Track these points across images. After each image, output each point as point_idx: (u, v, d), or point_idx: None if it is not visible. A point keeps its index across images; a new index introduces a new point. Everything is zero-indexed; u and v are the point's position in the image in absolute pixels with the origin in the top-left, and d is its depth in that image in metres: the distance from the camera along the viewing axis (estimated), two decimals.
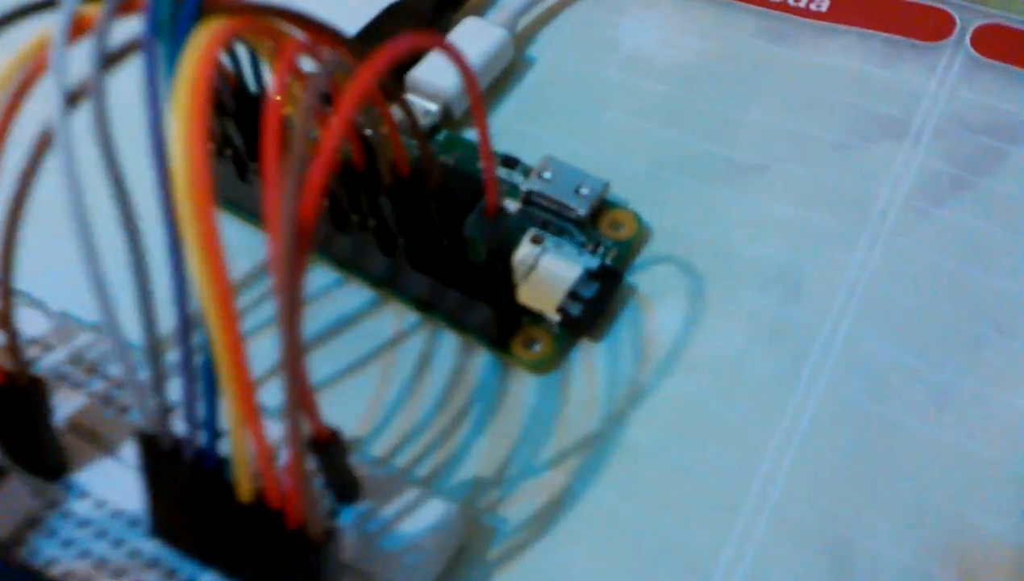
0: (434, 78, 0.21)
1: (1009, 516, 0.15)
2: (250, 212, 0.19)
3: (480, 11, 0.23)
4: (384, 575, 0.14)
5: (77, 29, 0.12)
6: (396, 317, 0.19)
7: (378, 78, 0.11)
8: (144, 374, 0.13)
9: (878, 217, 0.19)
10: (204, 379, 0.12)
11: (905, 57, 0.22)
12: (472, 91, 0.14)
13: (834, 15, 0.24)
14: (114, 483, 0.15)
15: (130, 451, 0.15)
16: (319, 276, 0.19)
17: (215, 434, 0.13)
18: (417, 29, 0.21)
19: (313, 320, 0.19)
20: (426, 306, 0.18)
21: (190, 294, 0.12)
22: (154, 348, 0.12)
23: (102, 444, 0.16)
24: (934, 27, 0.23)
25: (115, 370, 0.16)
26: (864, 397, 0.17)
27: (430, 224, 0.16)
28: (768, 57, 0.23)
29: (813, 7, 0.24)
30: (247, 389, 0.11)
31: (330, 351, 0.18)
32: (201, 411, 0.13)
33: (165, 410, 0.13)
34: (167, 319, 0.12)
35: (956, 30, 0.23)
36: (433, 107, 0.21)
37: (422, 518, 0.14)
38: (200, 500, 0.13)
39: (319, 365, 0.18)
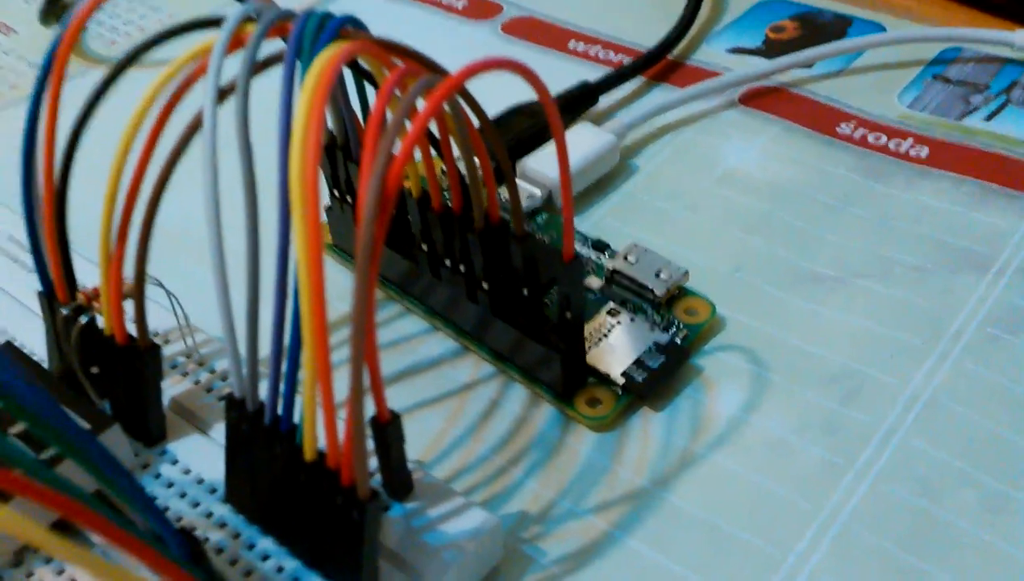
0: (542, 167, 0.23)
1: None
2: None
3: (597, 121, 0.25)
4: (423, 567, 0.15)
5: (234, 43, 0.14)
6: (474, 366, 0.20)
7: (456, 90, 0.13)
8: (243, 351, 0.14)
9: (951, 337, 0.20)
10: (290, 358, 0.14)
11: (997, 203, 0.23)
12: (552, 118, 0.16)
13: (932, 161, 0.25)
14: (201, 456, 0.17)
15: (219, 432, 0.17)
16: (412, 324, 0.21)
17: (291, 404, 0.14)
18: (535, 128, 0.24)
19: (400, 360, 0.20)
20: (502, 358, 0.20)
21: (290, 278, 0.14)
22: (254, 328, 0.14)
23: (198, 423, 0.18)
24: None
25: (219, 366, 0.19)
26: (913, 495, 0.17)
27: (512, 271, 0.18)
28: (861, 189, 0.24)
29: (912, 153, 0.25)
30: (325, 367, 0.13)
31: (409, 387, 0.20)
32: (283, 385, 0.14)
33: (255, 381, 0.15)
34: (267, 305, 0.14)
35: None
36: (538, 192, 0.23)
37: (464, 523, 0.15)
38: (271, 458, 0.14)
39: (397, 398, 0.19)
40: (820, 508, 0.17)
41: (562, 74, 0.27)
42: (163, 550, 0.13)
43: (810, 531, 0.17)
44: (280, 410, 0.14)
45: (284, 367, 0.14)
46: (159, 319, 0.19)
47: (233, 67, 0.14)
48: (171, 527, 0.13)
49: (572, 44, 0.30)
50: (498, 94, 0.21)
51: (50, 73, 0.16)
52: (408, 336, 0.21)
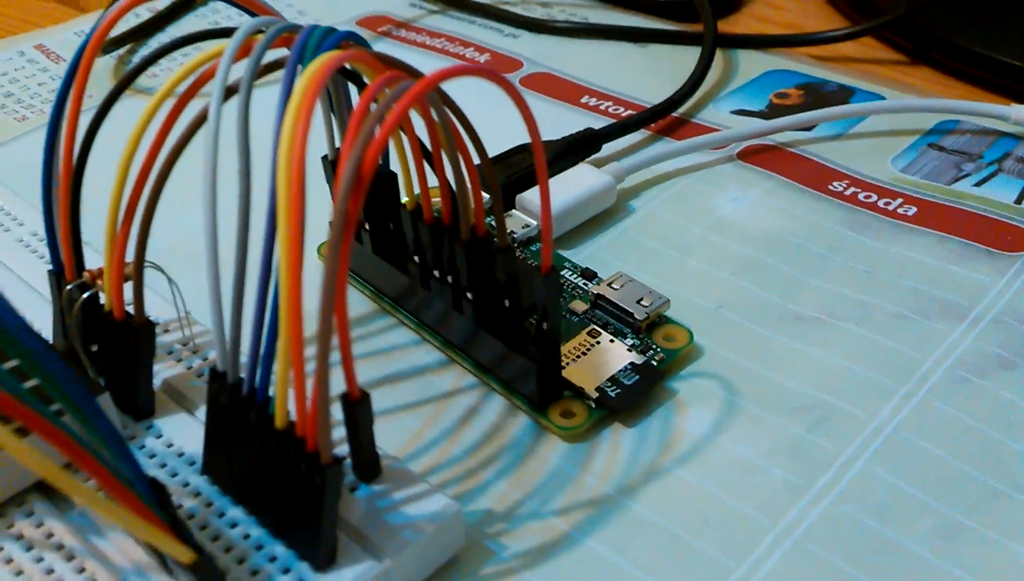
0: (539, 201, 0.24)
1: None
2: (366, 282, 0.23)
3: (598, 164, 0.27)
4: (383, 544, 0.15)
5: (242, 52, 0.16)
6: (457, 377, 0.21)
7: (431, 89, 0.14)
8: (227, 328, 0.15)
9: (919, 378, 0.20)
10: (268, 336, 0.15)
11: (979, 260, 0.24)
12: (528, 121, 0.17)
13: (919, 219, 0.26)
14: (184, 433, 0.18)
15: (204, 412, 0.18)
16: (402, 335, 0.22)
17: (267, 377, 0.15)
18: (528, 172, 0.25)
19: (386, 367, 0.21)
20: (484, 370, 0.20)
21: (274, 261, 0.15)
22: (239, 307, 0.15)
23: (185, 404, 0.18)
24: (1013, 241, 0.24)
25: (212, 355, 0.20)
26: (869, 517, 0.17)
27: (494, 282, 0.19)
28: (848, 242, 0.25)
29: (901, 211, 0.26)
30: (298, 341, 0.14)
31: (392, 391, 0.21)
32: (261, 359, 0.15)
33: (236, 356, 0.16)
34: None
35: None
36: (534, 222, 0.24)
37: (426, 507, 0.16)
38: (246, 427, 0.15)
39: (379, 400, 0.20)
40: (776, 523, 0.17)
41: (571, 124, 0.28)
42: (139, 494, 0.13)
43: (764, 543, 0.17)
44: (257, 382, 0.15)
45: (263, 343, 0.15)
46: (162, 310, 0.20)
47: (239, 74, 0.16)
48: (142, 473, 0.14)
49: (584, 99, 0.32)
50: (510, 133, 0.22)
51: (75, 72, 0.17)
52: (397, 346, 0.22)
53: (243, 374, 0.16)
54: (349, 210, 0.13)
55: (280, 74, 0.16)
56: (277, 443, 0.15)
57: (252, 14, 0.19)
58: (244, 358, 0.15)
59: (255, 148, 0.15)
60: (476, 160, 0.18)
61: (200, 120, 0.16)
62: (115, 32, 0.34)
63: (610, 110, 0.31)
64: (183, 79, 0.16)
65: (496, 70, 0.16)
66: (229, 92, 0.16)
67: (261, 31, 0.16)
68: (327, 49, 0.15)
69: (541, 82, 0.33)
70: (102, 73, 0.34)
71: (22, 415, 0.12)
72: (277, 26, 0.16)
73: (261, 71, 0.16)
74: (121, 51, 0.36)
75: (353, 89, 0.19)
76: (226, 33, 0.17)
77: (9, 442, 0.12)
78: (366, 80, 0.19)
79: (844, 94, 0.32)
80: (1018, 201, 0.26)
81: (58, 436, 0.12)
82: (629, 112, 0.31)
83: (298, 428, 0.15)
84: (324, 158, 0.22)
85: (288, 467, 0.15)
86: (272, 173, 0.14)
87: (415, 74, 0.16)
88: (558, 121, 0.30)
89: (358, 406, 0.15)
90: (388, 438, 0.19)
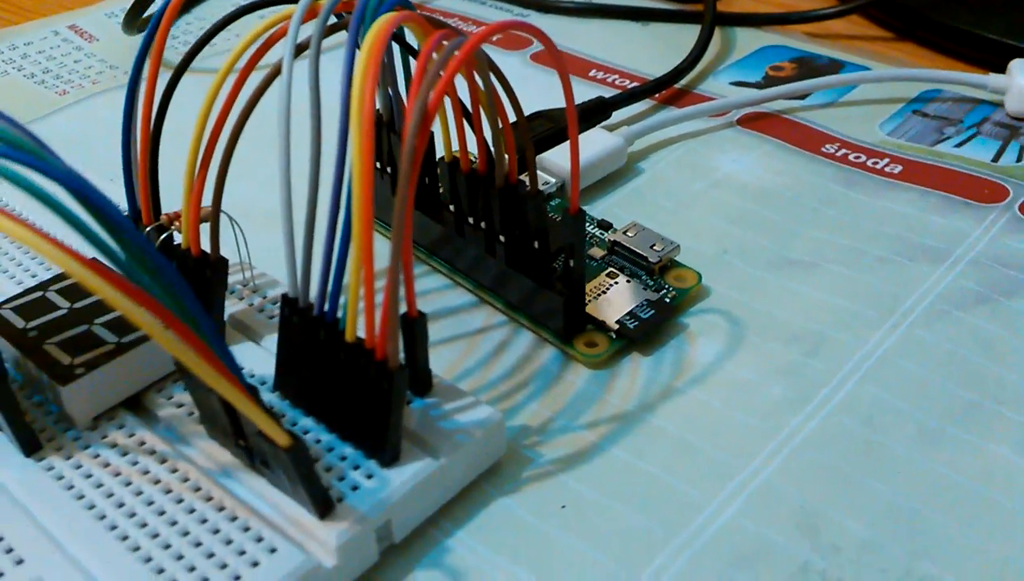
0: (557, 160, 0.26)
1: (972, 516, 0.18)
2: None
3: (612, 129, 0.29)
4: (439, 446, 0.18)
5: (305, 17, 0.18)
6: (488, 316, 0.23)
7: (484, 41, 0.16)
8: (299, 256, 0.18)
9: (904, 311, 0.23)
10: (338, 258, 0.17)
11: (959, 211, 0.26)
12: (558, 66, 0.19)
13: (904, 176, 0.28)
14: (253, 359, 0.20)
15: (269, 342, 0.20)
16: (436, 280, 0.24)
17: (336, 299, 0.17)
18: (553, 130, 0.27)
19: (422, 308, 0.23)
20: (513, 308, 0.23)
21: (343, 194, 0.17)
22: (310, 239, 0.17)
23: (250, 335, 0.21)
24: (990, 193, 0.27)
25: (270, 294, 0.22)
26: (860, 426, 0.20)
27: (525, 225, 0.21)
28: (838, 196, 0.27)
29: (887, 169, 0.28)
30: (369, 263, 0.16)
31: (429, 329, 0.23)
32: (331, 283, 0.17)
33: (307, 282, 0.18)
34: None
35: (1009, 198, 0.27)
36: (552, 180, 0.26)
37: (474, 415, 0.18)
38: (317, 343, 0.18)
39: None
40: (778, 432, 0.20)
41: (581, 95, 0.30)
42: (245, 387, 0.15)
43: (768, 448, 0.19)
44: (327, 305, 0.18)
45: (333, 268, 0.17)
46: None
47: (303, 36, 0.18)
48: (242, 372, 0.16)
49: (592, 72, 0.34)
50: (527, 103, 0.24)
51: (155, 33, 0.20)
52: (431, 290, 0.24)
53: (312, 298, 0.18)
54: (417, 145, 0.15)
55: (335, 38, 0.18)
56: (347, 355, 0.17)
57: None
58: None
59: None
60: (511, 117, 0.20)
61: (274, 73, 0.18)
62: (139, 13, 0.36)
63: (616, 82, 0.33)
64: (255, 40, 0.18)
65: (535, 26, 0.18)
66: (298, 50, 0.18)
67: None
68: (385, 11, 0.18)
69: (550, 58, 0.35)
70: (134, 51, 0.36)
71: (165, 316, 0.14)
72: None
73: (329, 30, 0.18)
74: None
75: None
76: (285, 1, 0.19)
77: (160, 334, 0.14)
78: (409, 41, 0.21)
79: (834, 67, 0.34)
80: (995, 159, 0.28)
81: (190, 335, 0.14)
82: (634, 84, 0.33)
83: (367, 341, 0.17)
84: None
85: (357, 376, 0.17)
86: (343, 113, 0.16)
87: (457, 31, 0.18)
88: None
89: (416, 323, 0.18)
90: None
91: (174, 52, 0.36)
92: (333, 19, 0.18)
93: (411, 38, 0.20)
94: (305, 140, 0.17)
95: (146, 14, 0.35)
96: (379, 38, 0.16)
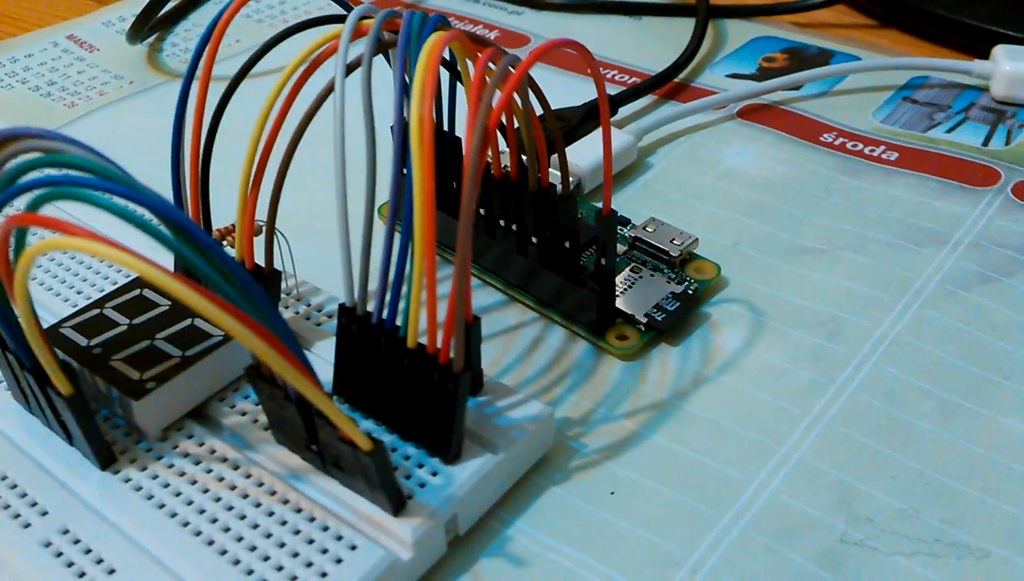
0: (573, 159, 0.27)
1: (995, 484, 0.19)
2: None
3: (620, 125, 0.30)
4: (496, 441, 0.19)
5: (355, 34, 0.19)
6: (519, 313, 0.24)
7: (535, 63, 0.17)
8: (356, 268, 0.18)
9: (913, 293, 0.24)
10: (397, 266, 0.18)
11: (955, 195, 0.28)
12: (596, 80, 0.20)
13: (901, 163, 0.29)
14: None
15: (319, 347, 0.21)
16: None
17: (396, 307, 0.18)
18: (566, 128, 0.28)
19: None
20: (544, 305, 0.24)
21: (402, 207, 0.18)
22: (367, 251, 0.18)
23: (303, 343, 0.21)
24: (983, 177, 0.28)
25: (313, 301, 0.23)
26: (882, 403, 0.21)
27: (557, 227, 0.22)
28: (840, 184, 0.28)
29: (884, 157, 0.30)
30: (432, 272, 0.17)
31: None
32: (390, 292, 0.18)
33: (365, 291, 0.19)
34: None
35: (1001, 181, 0.28)
36: (571, 178, 0.27)
37: (525, 411, 0.19)
38: (377, 350, 0.18)
39: None
40: (808, 412, 0.21)
41: (583, 92, 0.31)
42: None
43: (800, 428, 0.21)
44: (386, 313, 0.18)
45: (391, 278, 0.18)
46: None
47: (352, 56, 0.19)
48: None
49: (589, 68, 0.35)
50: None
51: (207, 44, 0.20)
52: None
53: (369, 307, 0.19)
54: (479, 161, 0.16)
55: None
56: (410, 361, 0.18)
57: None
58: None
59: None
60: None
61: (327, 91, 0.19)
62: (129, 23, 0.37)
63: (616, 78, 0.34)
64: (307, 58, 0.19)
65: (579, 43, 0.19)
66: (349, 68, 0.19)
67: (368, 16, 0.19)
68: (429, 30, 0.19)
69: (551, 56, 0.36)
70: (136, 60, 0.37)
71: (258, 329, 0.15)
72: (385, 11, 0.19)
73: (378, 48, 0.19)
74: (151, 39, 0.38)
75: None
76: (331, 20, 0.20)
77: (239, 332, 0.14)
78: (446, 56, 0.22)
79: (824, 56, 0.35)
80: (984, 144, 0.30)
81: (271, 338, 0.15)
82: (634, 79, 0.34)
83: (429, 346, 0.18)
84: (391, 128, 0.25)
85: (420, 380, 0.18)
86: (400, 127, 0.17)
87: (503, 50, 0.19)
88: (570, 89, 0.33)
89: (472, 328, 0.19)
90: None
91: (178, 61, 0.37)
92: None
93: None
94: (352, 155, 0.18)
95: (150, 24, 0.36)
96: (432, 60, 0.17)
